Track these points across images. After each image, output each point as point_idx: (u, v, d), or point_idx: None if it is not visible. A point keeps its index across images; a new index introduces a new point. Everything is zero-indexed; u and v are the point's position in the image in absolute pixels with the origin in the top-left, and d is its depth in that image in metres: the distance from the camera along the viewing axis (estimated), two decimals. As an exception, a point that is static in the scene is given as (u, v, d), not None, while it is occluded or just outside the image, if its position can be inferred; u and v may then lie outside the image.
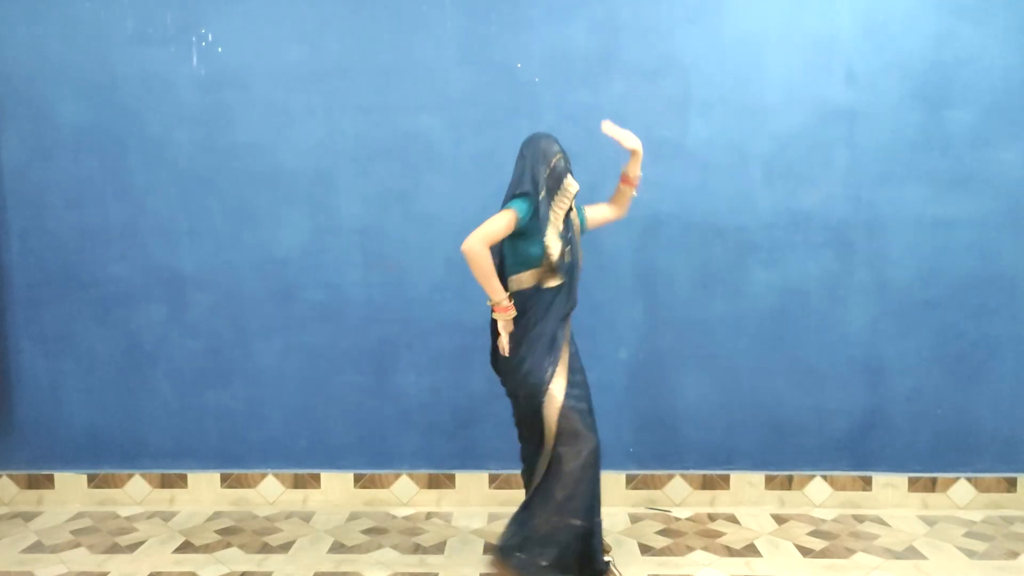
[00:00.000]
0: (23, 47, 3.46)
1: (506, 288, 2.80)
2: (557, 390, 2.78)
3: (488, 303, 2.78)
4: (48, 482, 3.66)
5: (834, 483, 3.60)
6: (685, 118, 3.46)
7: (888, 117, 3.45)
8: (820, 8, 3.41)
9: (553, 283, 2.80)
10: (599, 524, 2.87)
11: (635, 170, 2.99)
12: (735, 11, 3.43)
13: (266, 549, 3.21)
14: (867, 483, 3.60)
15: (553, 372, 2.79)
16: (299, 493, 3.65)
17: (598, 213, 3.06)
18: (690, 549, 3.20)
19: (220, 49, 3.46)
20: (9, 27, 3.45)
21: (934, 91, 3.43)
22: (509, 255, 2.83)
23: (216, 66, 3.47)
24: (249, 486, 3.65)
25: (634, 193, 3.04)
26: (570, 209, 2.85)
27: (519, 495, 3.58)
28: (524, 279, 2.80)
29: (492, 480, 3.62)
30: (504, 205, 2.78)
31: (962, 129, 3.45)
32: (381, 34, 3.45)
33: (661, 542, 3.26)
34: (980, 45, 3.41)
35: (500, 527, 3.38)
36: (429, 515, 3.55)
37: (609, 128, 2.92)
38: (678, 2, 3.42)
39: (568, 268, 2.83)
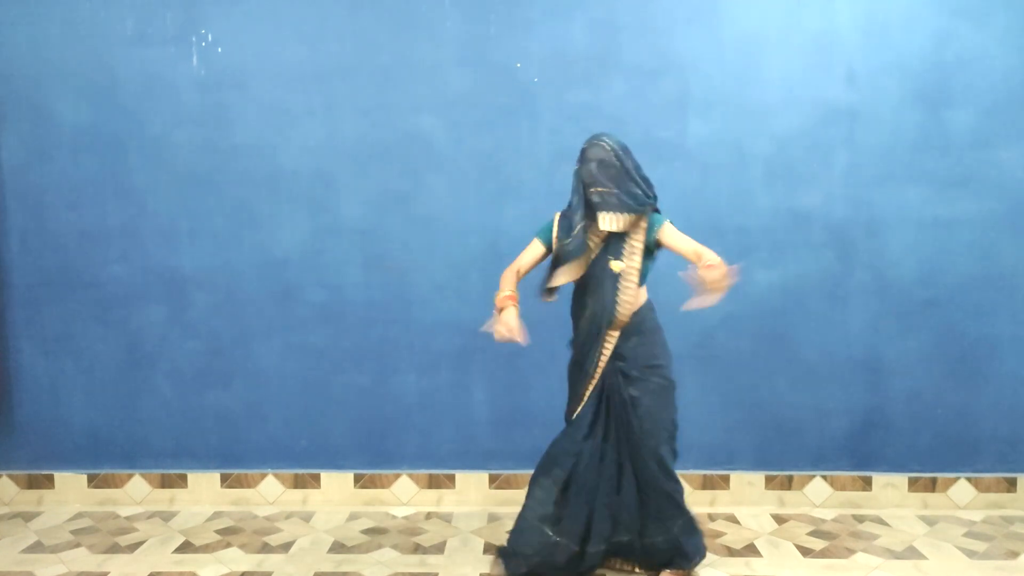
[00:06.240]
0: (23, 47, 3.46)
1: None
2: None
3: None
4: (48, 482, 3.66)
5: (834, 483, 3.60)
6: (685, 118, 3.46)
7: (888, 117, 3.45)
8: (820, 8, 3.41)
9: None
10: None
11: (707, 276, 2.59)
12: (735, 11, 3.42)
13: (266, 549, 3.21)
14: (867, 483, 3.60)
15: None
16: (299, 493, 3.65)
17: (680, 244, 2.80)
18: (690, 549, 3.20)
19: (220, 49, 3.46)
20: (9, 27, 3.45)
21: (934, 91, 3.43)
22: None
23: (216, 66, 3.47)
24: (249, 486, 3.65)
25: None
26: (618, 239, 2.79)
27: (519, 495, 3.58)
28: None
29: (492, 480, 3.62)
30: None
31: (962, 129, 3.45)
32: (381, 34, 3.45)
33: (661, 542, 3.26)
34: (980, 45, 3.41)
35: (500, 527, 3.39)
36: (429, 515, 3.55)
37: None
38: (678, 2, 3.42)
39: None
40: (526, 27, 3.43)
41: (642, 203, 2.76)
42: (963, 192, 3.47)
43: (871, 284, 3.52)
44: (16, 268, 3.56)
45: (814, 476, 3.61)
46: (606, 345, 2.81)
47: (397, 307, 3.56)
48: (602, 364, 2.82)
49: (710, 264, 2.58)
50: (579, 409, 2.86)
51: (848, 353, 3.55)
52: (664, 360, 2.85)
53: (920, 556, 3.15)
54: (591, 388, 2.84)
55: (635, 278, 2.78)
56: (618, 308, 2.79)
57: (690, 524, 2.89)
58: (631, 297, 2.79)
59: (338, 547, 3.23)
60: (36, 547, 3.24)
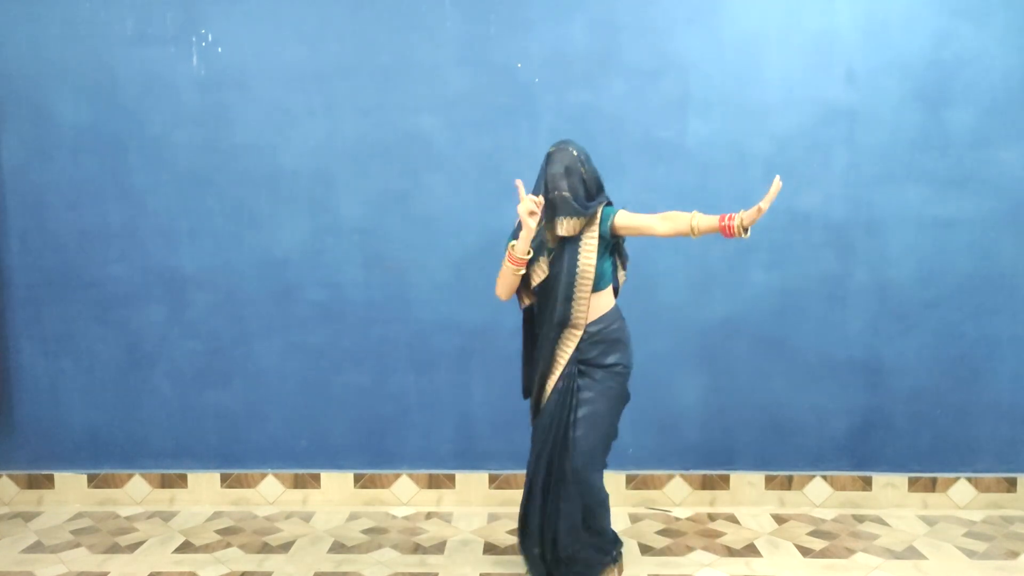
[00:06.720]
0: (23, 47, 3.46)
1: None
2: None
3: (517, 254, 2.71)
4: (48, 482, 3.66)
5: (834, 483, 3.60)
6: (684, 118, 3.46)
7: (888, 117, 3.45)
8: (820, 8, 3.41)
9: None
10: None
11: (749, 217, 2.50)
12: (735, 11, 3.42)
13: (266, 549, 3.22)
14: (867, 483, 3.60)
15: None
16: (299, 493, 3.65)
17: (639, 220, 2.72)
18: (690, 549, 3.20)
19: (220, 49, 3.46)
20: (9, 27, 3.45)
21: (934, 91, 3.43)
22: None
23: (216, 66, 3.47)
24: (249, 486, 3.65)
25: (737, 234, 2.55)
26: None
27: (519, 495, 3.58)
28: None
29: (492, 480, 3.63)
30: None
31: (962, 129, 3.45)
32: (381, 34, 3.45)
33: (661, 542, 3.27)
34: (980, 45, 3.41)
35: (500, 527, 3.39)
36: (429, 515, 3.55)
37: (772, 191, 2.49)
38: (677, 2, 3.42)
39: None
40: (526, 27, 3.43)
41: (585, 206, 2.69)
42: (963, 192, 3.47)
43: (871, 284, 3.52)
44: (16, 268, 3.56)
45: (814, 476, 3.61)
46: (566, 344, 2.76)
47: (396, 307, 3.56)
48: (562, 362, 2.76)
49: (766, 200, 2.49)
50: (544, 399, 2.80)
51: (848, 353, 3.55)
52: (626, 369, 2.82)
53: (920, 556, 3.15)
54: (553, 381, 2.77)
55: (590, 278, 2.71)
56: (573, 308, 2.72)
57: (597, 547, 2.83)
58: (585, 296, 2.72)
59: (338, 547, 3.23)
60: (36, 547, 3.24)
